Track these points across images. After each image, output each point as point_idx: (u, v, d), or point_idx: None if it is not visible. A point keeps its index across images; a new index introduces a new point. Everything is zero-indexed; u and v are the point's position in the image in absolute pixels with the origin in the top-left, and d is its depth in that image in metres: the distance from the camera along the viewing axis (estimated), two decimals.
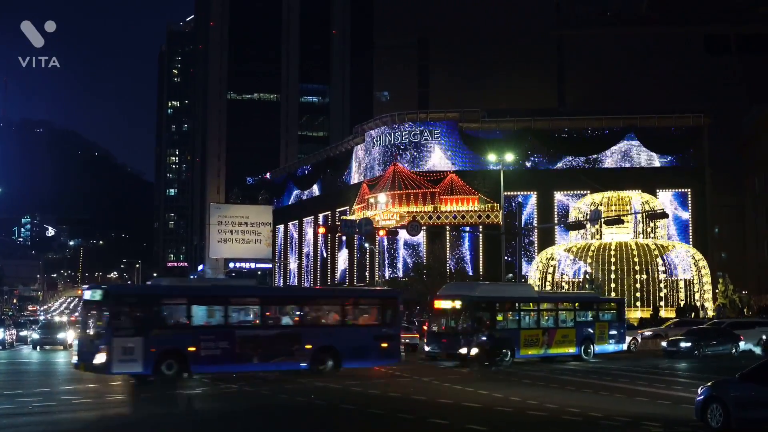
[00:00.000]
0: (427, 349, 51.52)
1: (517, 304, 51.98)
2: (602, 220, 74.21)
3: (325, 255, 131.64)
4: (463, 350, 47.31)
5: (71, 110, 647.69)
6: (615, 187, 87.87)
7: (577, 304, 55.69)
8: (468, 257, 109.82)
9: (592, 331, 54.28)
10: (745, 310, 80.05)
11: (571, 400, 31.15)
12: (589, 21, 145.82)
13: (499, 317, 51.06)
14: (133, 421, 27.02)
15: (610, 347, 55.52)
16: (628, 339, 59.90)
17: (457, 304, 49.64)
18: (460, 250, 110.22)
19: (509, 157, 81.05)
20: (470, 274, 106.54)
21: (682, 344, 54.46)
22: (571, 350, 52.93)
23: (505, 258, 76.41)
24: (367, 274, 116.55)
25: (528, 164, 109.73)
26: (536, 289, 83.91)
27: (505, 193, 76.20)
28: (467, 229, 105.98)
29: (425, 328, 74.69)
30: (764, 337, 56.58)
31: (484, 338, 47.38)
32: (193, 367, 37.71)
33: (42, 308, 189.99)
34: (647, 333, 66.32)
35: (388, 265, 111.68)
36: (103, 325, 36.83)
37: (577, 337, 53.20)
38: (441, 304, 51.11)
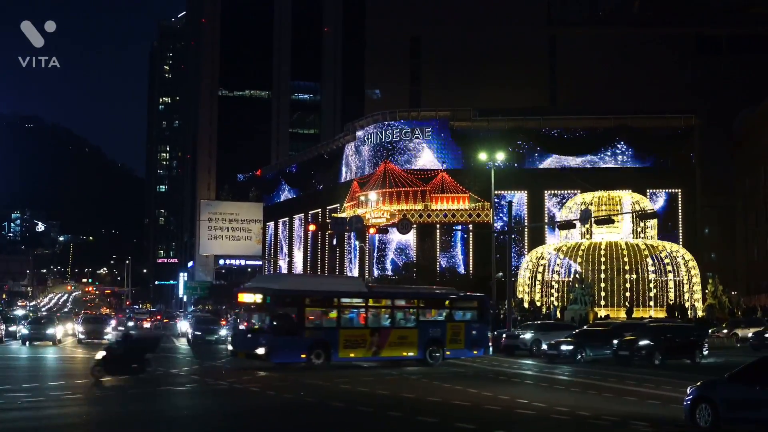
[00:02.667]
0: (230, 348, 46.14)
1: (335, 300, 45.91)
2: (592, 219, 74.19)
3: (314, 253, 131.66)
4: (260, 350, 41.97)
5: (62, 106, 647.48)
6: (605, 186, 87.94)
7: (421, 301, 49.56)
8: (458, 256, 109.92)
9: (441, 333, 48.11)
10: (735, 310, 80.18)
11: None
12: (581, 21, 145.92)
13: (312, 314, 45.48)
14: (120, 418, 26.97)
15: (467, 351, 49.38)
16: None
17: (258, 298, 44.32)
18: (451, 249, 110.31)
19: (500, 156, 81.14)
20: (461, 272, 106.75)
21: (563, 347, 49.86)
22: (412, 353, 46.86)
23: (496, 256, 76.23)
24: (356, 272, 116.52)
25: (519, 163, 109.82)
26: (525, 288, 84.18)
27: (496, 192, 76.27)
28: (458, 227, 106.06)
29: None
30: (615, 342, 50.20)
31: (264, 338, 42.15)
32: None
33: (31, 304, 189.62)
34: None
35: (378, 264, 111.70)
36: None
37: (421, 339, 47.07)
38: (244, 297, 45.93)
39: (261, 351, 41.95)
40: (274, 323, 42.58)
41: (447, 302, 50.38)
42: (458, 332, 48.92)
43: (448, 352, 47.86)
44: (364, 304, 46.87)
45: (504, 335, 58.71)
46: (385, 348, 46.00)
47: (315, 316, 45.61)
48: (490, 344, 52.36)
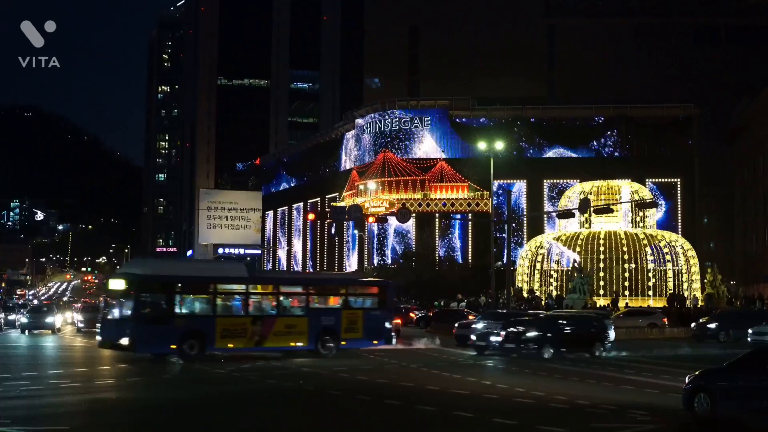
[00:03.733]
0: (98, 339, 43.28)
1: (211, 286, 42.89)
2: (591, 208, 74.22)
3: (313, 242, 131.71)
4: (124, 341, 39.42)
5: (60, 95, 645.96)
6: (604, 176, 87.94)
7: (312, 287, 46.82)
8: (458, 245, 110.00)
9: (336, 321, 45.20)
10: (734, 300, 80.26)
11: None
12: (580, 10, 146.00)
13: (185, 301, 42.61)
14: (118, 405, 27.03)
15: (366, 341, 46.45)
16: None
17: (123, 284, 41.39)
18: (450, 238, 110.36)
19: (499, 145, 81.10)
20: (459, 261, 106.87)
21: (492, 339, 46.40)
22: (301, 343, 44.02)
23: (494, 246, 76.28)
24: (355, 261, 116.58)
25: (518, 152, 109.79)
26: (524, 277, 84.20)
27: (495, 181, 76.31)
28: (457, 216, 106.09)
29: (412, 315, 75.04)
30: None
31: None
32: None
33: (30, 293, 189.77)
34: None
35: (377, 253, 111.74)
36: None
37: (312, 329, 44.16)
38: (111, 284, 43.48)
39: (125, 341, 39.53)
40: (140, 311, 40.23)
41: (343, 289, 47.80)
42: (355, 321, 45.93)
43: (343, 342, 45.01)
44: (244, 291, 44.11)
45: (456, 325, 56.66)
46: (270, 338, 43.16)
47: (188, 304, 42.76)
48: (394, 334, 48.84)
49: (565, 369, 38.22)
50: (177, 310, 41.78)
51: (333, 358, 42.94)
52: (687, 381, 24.46)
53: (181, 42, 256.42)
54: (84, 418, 23.97)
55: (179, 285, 42.07)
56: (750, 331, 52.30)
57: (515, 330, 45.74)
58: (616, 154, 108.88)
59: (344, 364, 39.31)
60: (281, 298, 45.06)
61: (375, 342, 46.65)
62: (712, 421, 23.14)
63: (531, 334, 44.59)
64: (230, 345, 42.41)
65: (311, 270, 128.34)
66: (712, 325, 57.77)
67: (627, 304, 76.48)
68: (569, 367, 39.28)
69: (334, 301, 46.73)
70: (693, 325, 60.27)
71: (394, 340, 48.44)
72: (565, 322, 47.95)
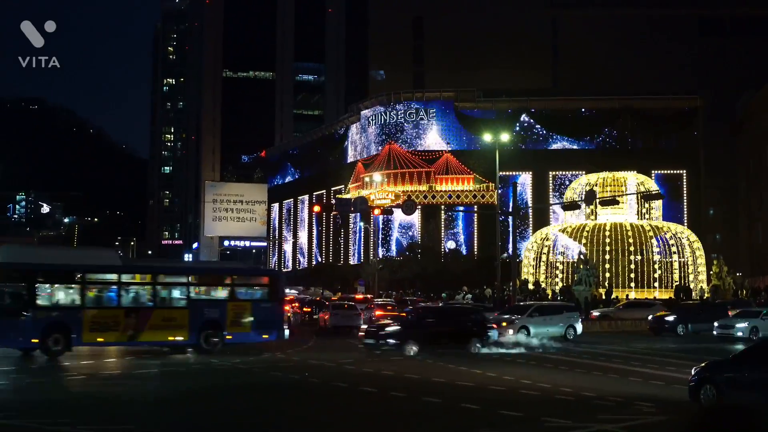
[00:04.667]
0: None
1: (78, 275, 39.82)
2: (597, 200, 74.27)
3: (318, 235, 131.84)
4: None
5: (65, 87, 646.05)
6: (609, 167, 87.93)
7: (193, 277, 43.75)
8: (463, 237, 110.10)
9: (221, 314, 42.29)
10: (739, 291, 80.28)
11: None
12: (584, 1, 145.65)
13: (47, 292, 39.74)
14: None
15: (254, 335, 43.25)
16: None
17: None
18: (455, 230, 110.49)
19: (504, 137, 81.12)
20: (465, 253, 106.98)
21: (390, 340, 41.72)
22: (181, 337, 41.17)
23: (500, 238, 76.25)
24: (361, 253, 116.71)
25: (523, 144, 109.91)
26: (530, 269, 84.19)
27: (500, 173, 76.37)
28: (461, 208, 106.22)
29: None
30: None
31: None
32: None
33: None
34: (596, 314, 64.70)
35: (382, 245, 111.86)
36: None
37: (193, 321, 41.18)
38: None
39: None
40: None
41: (228, 279, 44.67)
42: (242, 313, 43.13)
43: (229, 337, 42.07)
44: (116, 281, 40.90)
45: None
46: (146, 331, 40.08)
47: (51, 294, 39.84)
48: (286, 327, 46.08)
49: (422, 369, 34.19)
50: (39, 301, 38.88)
51: (218, 354, 39.97)
52: (693, 373, 24.60)
53: (186, 34, 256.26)
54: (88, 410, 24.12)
55: (42, 274, 39.17)
56: (715, 324, 52.13)
57: (375, 325, 43.92)
58: (621, 145, 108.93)
59: (223, 360, 37.40)
60: (159, 288, 42.09)
61: (265, 336, 43.46)
62: (720, 410, 23.20)
63: (391, 329, 41.88)
64: (100, 339, 39.52)
65: (317, 263, 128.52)
66: (670, 318, 56.87)
67: (628, 296, 76.39)
68: (429, 365, 35.89)
69: (219, 293, 43.77)
70: (650, 317, 58.95)
71: (286, 333, 45.37)
72: (434, 316, 45.34)
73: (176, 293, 42.39)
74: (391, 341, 40.81)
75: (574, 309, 56.19)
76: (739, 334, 50.25)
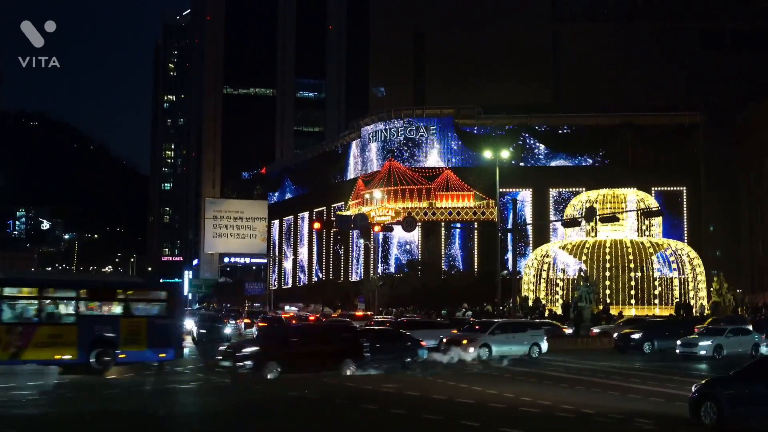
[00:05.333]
0: None
1: None
2: (597, 217, 74.16)
3: (318, 251, 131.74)
4: None
5: (67, 103, 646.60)
6: (610, 184, 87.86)
7: (83, 291, 40.30)
8: (463, 254, 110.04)
9: (113, 330, 39.11)
10: (739, 308, 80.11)
11: None
12: (586, 16, 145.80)
13: None
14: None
15: (150, 354, 40.28)
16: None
17: None
18: (455, 247, 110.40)
19: (504, 153, 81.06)
20: (466, 270, 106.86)
21: (247, 362, 38.13)
22: (69, 356, 37.83)
23: (500, 254, 76.12)
24: (361, 270, 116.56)
25: (523, 161, 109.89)
26: (530, 286, 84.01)
27: (500, 190, 76.27)
28: (458, 226, 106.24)
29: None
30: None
31: None
32: None
33: None
34: (596, 330, 63.28)
35: (382, 262, 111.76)
36: None
37: (83, 338, 37.97)
38: None
39: None
40: None
41: (122, 293, 41.26)
42: (138, 330, 39.86)
43: (122, 355, 39.15)
44: None
45: None
46: (30, 349, 36.97)
47: None
48: (185, 345, 43.92)
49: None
50: None
51: (106, 373, 38.08)
52: (693, 390, 24.51)
53: (186, 50, 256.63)
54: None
55: None
56: (678, 342, 50.01)
57: (234, 345, 41.01)
58: (622, 162, 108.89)
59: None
60: (45, 302, 38.49)
61: (162, 355, 40.68)
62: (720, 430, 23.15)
63: (249, 350, 37.85)
64: None
65: (318, 279, 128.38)
66: (636, 336, 54.41)
67: (621, 313, 75.81)
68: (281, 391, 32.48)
69: (112, 308, 40.41)
70: (615, 335, 56.96)
71: (186, 351, 43.01)
72: (300, 333, 41.94)
73: (64, 308, 38.86)
74: (249, 363, 36.78)
75: (539, 327, 53.82)
76: (702, 352, 48.26)
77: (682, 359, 47.78)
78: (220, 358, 39.25)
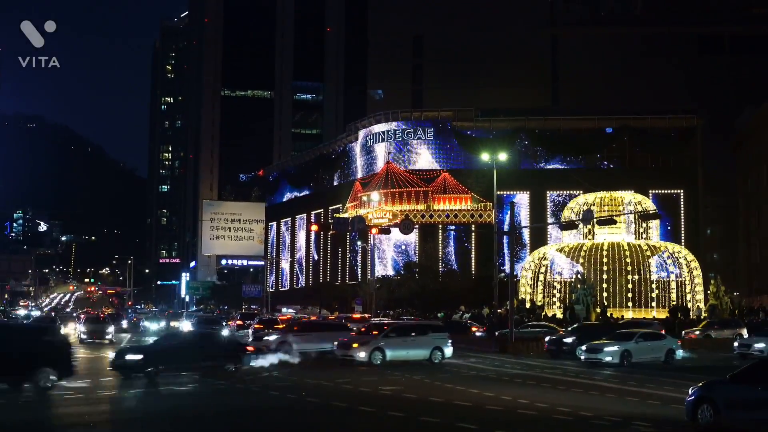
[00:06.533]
0: None
1: None
2: (595, 220, 74.07)
3: (316, 254, 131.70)
4: None
5: (65, 106, 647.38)
6: (607, 187, 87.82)
7: None
8: (460, 256, 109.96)
9: None
10: (737, 311, 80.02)
11: None
12: (584, 20, 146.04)
13: None
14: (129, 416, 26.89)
15: None
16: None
17: None
18: (453, 249, 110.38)
19: (502, 156, 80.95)
20: (464, 273, 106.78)
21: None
22: None
23: (498, 257, 76.03)
24: (359, 273, 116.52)
25: (521, 164, 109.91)
26: (527, 289, 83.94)
27: (498, 193, 76.19)
28: (453, 228, 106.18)
29: None
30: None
31: None
32: None
33: (33, 304, 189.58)
34: None
35: (379, 264, 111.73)
36: None
37: None
38: None
39: None
40: None
41: None
42: None
43: None
44: None
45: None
46: None
47: None
48: None
49: None
50: None
51: None
52: (690, 392, 24.44)
53: (184, 53, 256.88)
54: (86, 430, 23.93)
55: None
56: (583, 347, 46.48)
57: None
58: (620, 165, 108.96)
59: None
60: None
61: None
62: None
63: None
64: None
65: (315, 281, 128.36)
66: (569, 340, 50.68)
67: (618, 315, 75.88)
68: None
69: None
70: (547, 339, 53.96)
71: None
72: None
73: None
74: None
75: (442, 329, 50.02)
76: (608, 359, 44.31)
77: (587, 366, 44.21)
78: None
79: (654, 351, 46.53)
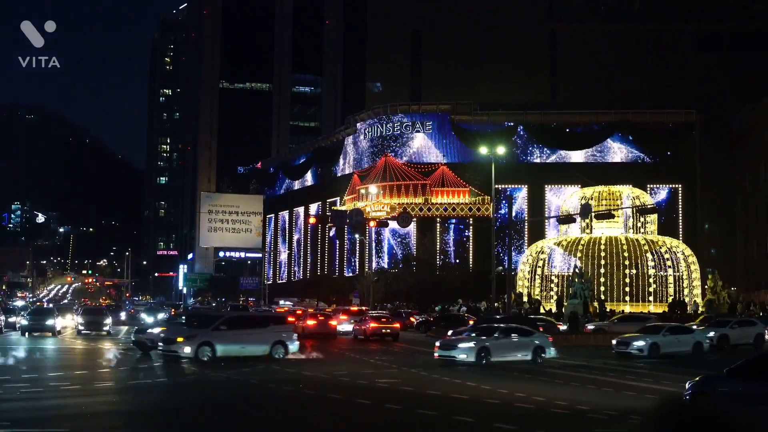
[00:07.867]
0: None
1: None
2: (592, 214, 74.15)
3: (314, 245, 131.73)
4: None
5: (63, 97, 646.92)
6: (605, 181, 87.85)
7: None
8: (459, 250, 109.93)
9: None
10: (737, 306, 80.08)
11: None
12: (583, 16, 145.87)
13: None
14: (125, 410, 26.93)
15: None
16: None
17: None
18: (451, 243, 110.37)
19: (500, 150, 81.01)
20: (462, 266, 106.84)
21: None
22: None
23: (496, 251, 76.10)
24: (356, 265, 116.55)
25: (519, 158, 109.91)
26: (525, 282, 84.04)
27: (496, 186, 76.25)
28: (452, 221, 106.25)
29: (412, 319, 75.11)
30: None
31: None
32: None
33: (31, 295, 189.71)
34: (590, 327, 62.30)
35: (377, 257, 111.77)
36: None
37: None
38: None
39: None
40: None
41: None
42: None
43: None
44: None
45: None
46: None
47: None
48: None
49: None
50: None
51: None
52: (687, 387, 24.41)
53: (183, 45, 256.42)
54: (84, 421, 23.92)
55: None
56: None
57: None
58: (618, 159, 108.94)
59: None
60: None
61: None
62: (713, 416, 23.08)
63: None
64: None
65: (313, 274, 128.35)
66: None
67: (618, 309, 75.96)
68: None
69: None
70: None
71: None
72: None
73: None
74: None
75: (284, 321, 46.40)
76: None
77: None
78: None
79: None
